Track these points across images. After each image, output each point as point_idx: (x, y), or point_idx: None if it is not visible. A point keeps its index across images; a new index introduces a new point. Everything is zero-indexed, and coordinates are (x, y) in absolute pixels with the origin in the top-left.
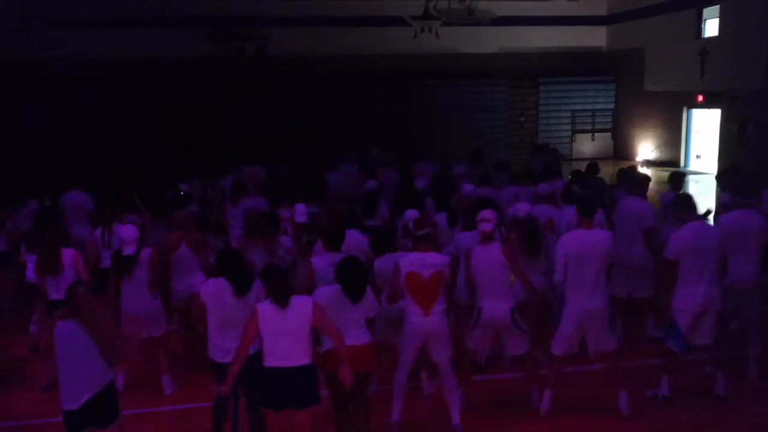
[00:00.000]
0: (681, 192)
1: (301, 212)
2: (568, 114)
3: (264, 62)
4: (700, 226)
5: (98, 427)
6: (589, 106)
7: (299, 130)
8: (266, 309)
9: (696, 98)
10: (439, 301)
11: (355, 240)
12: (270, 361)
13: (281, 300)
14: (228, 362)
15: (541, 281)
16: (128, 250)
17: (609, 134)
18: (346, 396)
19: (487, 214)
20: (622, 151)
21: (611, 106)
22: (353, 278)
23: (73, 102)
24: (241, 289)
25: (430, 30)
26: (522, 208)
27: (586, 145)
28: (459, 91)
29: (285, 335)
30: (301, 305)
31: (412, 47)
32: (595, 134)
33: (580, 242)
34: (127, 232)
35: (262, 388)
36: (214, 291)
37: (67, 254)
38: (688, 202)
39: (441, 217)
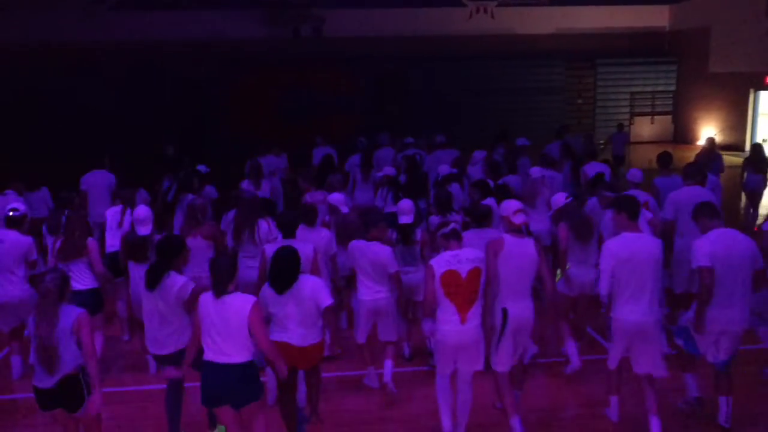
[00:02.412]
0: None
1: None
2: (627, 96)
3: (320, 44)
4: (727, 234)
5: (68, 411)
6: (649, 88)
7: (353, 112)
8: (207, 300)
9: (764, 80)
10: (477, 304)
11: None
12: (207, 355)
13: (217, 291)
14: (163, 353)
15: (591, 276)
16: (143, 230)
17: (669, 117)
18: (289, 385)
19: (516, 204)
20: (682, 134)
21: (672, 88)
22: (280, 268)
23: (133, 84)
24: (148, 281)
25: (485, 10)
26: (559, 198)
27: (645, 128)
28: (514, 73)
29: (221, 329)
30: (242, 302)
31: (467, 28)
32: (655, 117)
33: (629, 247)
34: (142, 211)
35: (201, 383)
36: (139, 282)
37: (91, 242)
38: (711, 208)
39: (490, 202)
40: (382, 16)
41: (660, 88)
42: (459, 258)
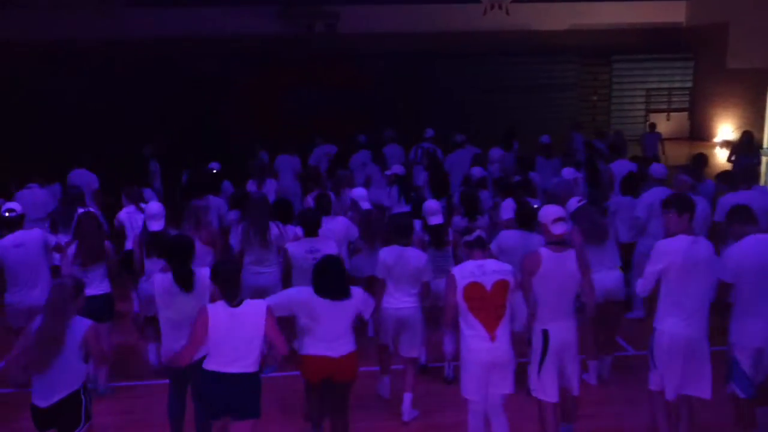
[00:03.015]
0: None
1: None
2: (643, 93)
3: (334, 40)
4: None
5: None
6: (665, 85)
7: (367, 109)
8: (218, 309)
9: None
10: (506, 319)
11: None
12: (210, 364)
13: (233, 299)
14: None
15: (613, 281)
16: (155, 226)
17: (685, 114)
18: (322, 405)
19: (556, 211)
20: (699, 131)
21: (689, 84)
22: (332, 277)
23: (145, 81)
24: (184, 284)
25: (500, 6)
26: (572, 203)
27: (661, 125)
28: (528, 69)
29: (233, 339)
30: (255, 308)
31: (482, 25)
32: (671, 114)
33: (684, 250)
34: (154, 207)
35: (201, 393)
36: (162, 286)
37: (108, 245)
38: (747, 211)
39: (510, 203)
40: (397, 12)
41: (676, 85)
42: (484, 269)
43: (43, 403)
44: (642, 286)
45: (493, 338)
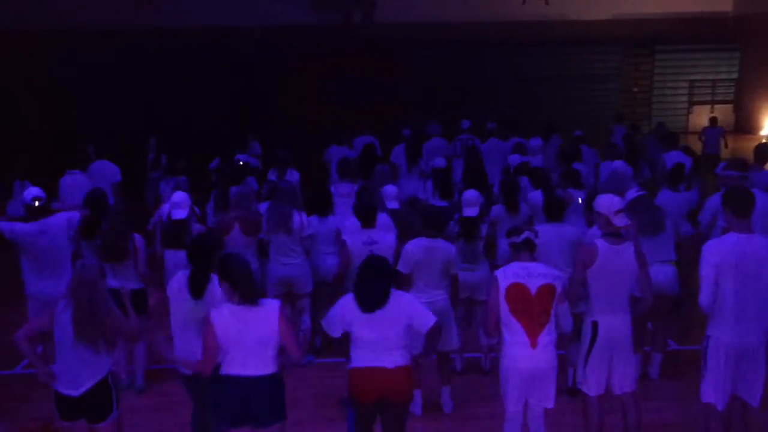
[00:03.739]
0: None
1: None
2: (686, 84)
3: (371, 30)
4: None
5: (92, 422)
6: (710, 76)
7: (403, 99)
8: (223, 314)
9: None
10: (550, 326)
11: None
12: (226, 369)
13: (249, 298)
14: (194, 373)
15: (666, 275)
16: (179, 214)
17: (730, 106)
18: (372, 423)
19: (617, 202)
20: (744, 124)
21: (734, 75)
22: (369, 282)
23: (182, 71)
24: (193, 290)
25: None
26: (632, 193)
27: (704, 118)
28: (568, 59)
29: (244, 341)
30: (267, 307)
31: (521, 14)
32: (715, 106)
33: (738, 250)
34: (179, 195)
35: (217, 399)
36: (176, 285)
37: (138, 240)
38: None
39: (538, 194)
40: (433, 2)
41: (721, 76)
42: (529, 271)
43: (73, 392)
44: (702, 297)
45: (534, 345)
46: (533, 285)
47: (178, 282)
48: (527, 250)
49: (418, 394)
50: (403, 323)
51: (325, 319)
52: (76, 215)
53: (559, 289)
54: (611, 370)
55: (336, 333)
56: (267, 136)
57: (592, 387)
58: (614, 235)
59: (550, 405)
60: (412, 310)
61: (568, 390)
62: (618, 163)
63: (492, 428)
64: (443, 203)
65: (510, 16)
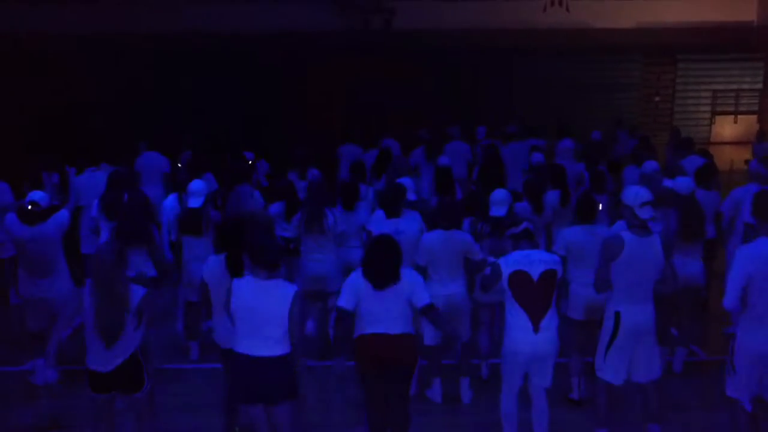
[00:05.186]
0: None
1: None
2: (709, 94)
3: (390, 36)
4: None
5: (124, 394)
6: (733, 86)
7: (423, 105)
8: (243, 284)
9: None
10: (552, 311)
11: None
12: (239, 346)
13: (267, 270)
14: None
15: (694, 268)
16: (194, 203)
17: (755, 117)
18: (380, 394)
19: (644, 194)
20: None
21: (759, 86)
22: (379, 260)
23: (205, 76)
24: (233, 271)
25: (560, 3)
26: (684, 183)
27: (727, 128)
28: (588, 68)
29: (256, 316)
30: (285, 290)
31: (542, 22)
32: (738, 116)
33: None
34: (196, 184)
35: (232, 378)
36: (212, 269)
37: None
38: None
39: (555, 195)
40: (453, 8)
41: (745, 86)
42: (530, 258)
43: (103, 368)
44: (726, 299)
45: (536, 330)
46: (535, 271)
47: (213, 266)
48: (526, 239)
49: (437, 383)
50: (408, 298)
51: (341, 298)
52: (65, 214)
53: (560, 274)
54: (635, 359)
55: (350, 305)
56: (288, 141)
57: (609, 375)
58: (640, 227)
59: (548, 385)
60: (413, 284)
61: (569, 400)
62: (649, 164)
63: None
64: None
65: (531, 24)
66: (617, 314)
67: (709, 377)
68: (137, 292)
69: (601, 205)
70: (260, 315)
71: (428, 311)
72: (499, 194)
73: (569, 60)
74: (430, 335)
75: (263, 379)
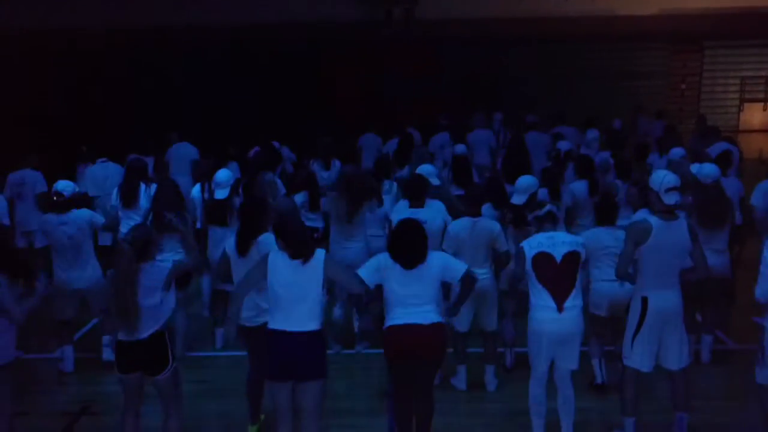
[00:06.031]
0: None
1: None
2: (737, 81)
3: (412, 26)
4: None
5: (148, 374)
6: (763, 73)
7: (441, 95)
8: (279, 261)
9: None
10: (575, 291)
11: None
12: (273, 323)
13: (302, 254)
14: (257, 325)
15: (720, 259)
16: (220, 194)
17: None
18: (407, 383)
19: (671, 179)
20: None
21: None
22: (408, 241)
23: (224, 67)
24: (239, 247)
25: None
26: (709, 169)
27: (757, 116)
28: (613, 56)
29: (296, 294)
30: (316, 260)
31: (566, 10)
32: None
33: None
34: (221, 174)
35: (268, 353)
36: (229, 247)
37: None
38: None
39: (582, 185)
40: None
41: None
42: (554, 240)
43: (128, 338)
44: (759, 290)
45: (560, 309)
46: (558, 253)
47: (229, 244)
48: (550, 222)
49: (462, 370)
50: (436, 280)
51: (361, 269)
52: (98, 218)
53: (583, 256)
54: (664, 346)
55: (370, 282)
56: (310, 132)
57: (637, 362)
58: (667, 212)
59: (575, 366)
60: (443, 263)
61: (594, 387)
62: (676, 150)
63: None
64: (459, 192)
65: (555, 12)
66: (644, 299)
67: (737, 366)
68: (162, 270)
69: (625, 193)
70: (296, 290)
71: (467, 278)
72: (523, 181)
73: (594, 48)
74: (460, 322)
75: (298, 354)
